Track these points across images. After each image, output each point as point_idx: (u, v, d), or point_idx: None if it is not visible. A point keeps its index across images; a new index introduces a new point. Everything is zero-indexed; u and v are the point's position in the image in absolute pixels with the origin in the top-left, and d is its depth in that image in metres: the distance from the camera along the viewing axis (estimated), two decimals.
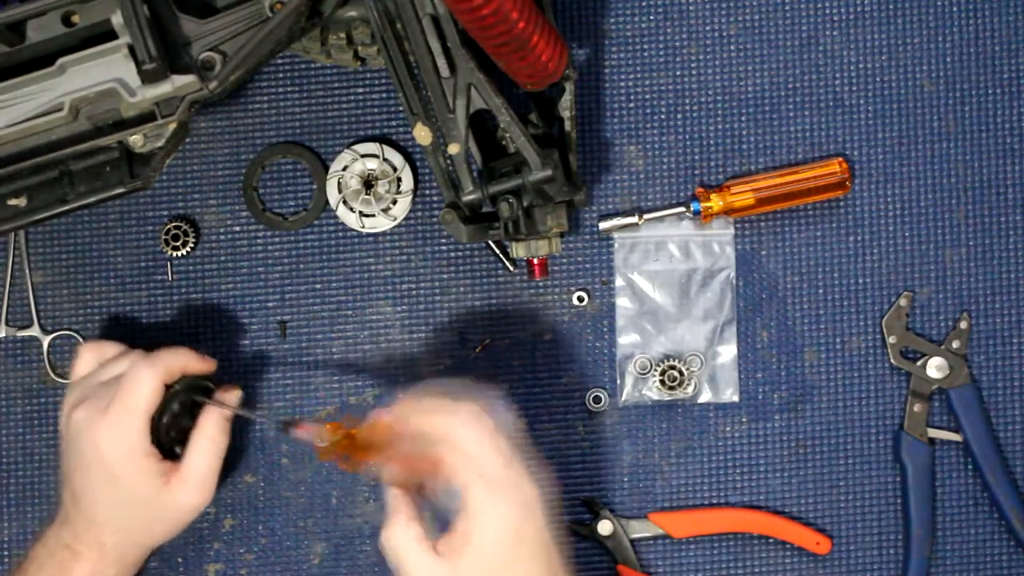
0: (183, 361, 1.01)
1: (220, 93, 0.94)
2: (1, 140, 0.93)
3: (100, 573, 1.00)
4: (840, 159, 1.10)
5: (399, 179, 1.10)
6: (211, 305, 1.12)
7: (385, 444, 0.92)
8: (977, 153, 1.12)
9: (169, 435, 1.00)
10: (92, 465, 0.98)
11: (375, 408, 0.94)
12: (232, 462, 1.11)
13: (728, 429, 1.11)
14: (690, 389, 1.10)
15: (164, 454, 1.00)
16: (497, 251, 1.11)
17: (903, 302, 1.11)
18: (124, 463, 0.98)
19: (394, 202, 1.10)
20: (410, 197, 1.10)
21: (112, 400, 0.98)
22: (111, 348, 1.04)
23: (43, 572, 1.00)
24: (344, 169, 1.10)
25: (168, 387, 0.99)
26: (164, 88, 0.93)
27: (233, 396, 1.03)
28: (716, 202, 1.09)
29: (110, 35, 0.93)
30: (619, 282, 1.11)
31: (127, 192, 0.95)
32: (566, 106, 1.04)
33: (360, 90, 1.12)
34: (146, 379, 0.98)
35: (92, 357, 1.03)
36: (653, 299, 1.11)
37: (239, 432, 1.11)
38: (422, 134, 1.00)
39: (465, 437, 0.89)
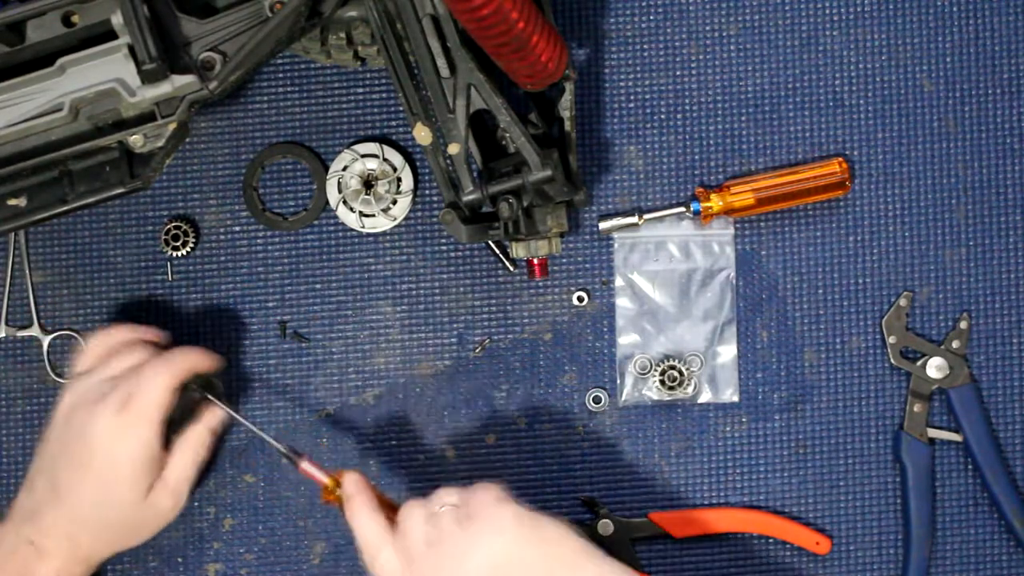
0: (194, 361, 1.00)
1: (220, 93, 0.94)
2: (1, 140, 0.93)
3: (68, 572, 0.98)
4: (840, 159, 1.10)
5: (399, 179, 1.10)
6: (211, 305, 1.12)
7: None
8: (977, 153, 1.12)
9: (171, 435, 1.01)
10: (94, 463, 0.97)
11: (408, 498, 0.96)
12: (232, 462, 1.11)
13: (728, 429, 1.11)
14: (690, 389, 1.10)
15: None
16: (497, 251, 1.11)
17: (903, 302, 1.11)
18: (133, 466, 0.97)
19: (394, 202, 1.10)
20: (410, 197, 1.10)
21: (128, 401, 0.97)
22: (119, 336, 1.03)
23: (3, 571, 0.97)
24: (344, 169, 1.10)
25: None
26: (164, 88, 0.93)
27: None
28: (716, 202, 1.09)
29: (110, 35, 0.93)
30: (619, 282, 1.11)
31: (127, 192, 0.95)
32: (566, 106, 1.04)
33: (360, 90, 1.12)
34: (163, 384, 0.97)
35: (100, 350, 1.02)
36: (653, 299, 1.11)
37: (239, 432, 1.10)
38: (422, 134, 1.00)
39: None
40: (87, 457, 0.97)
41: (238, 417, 1.02)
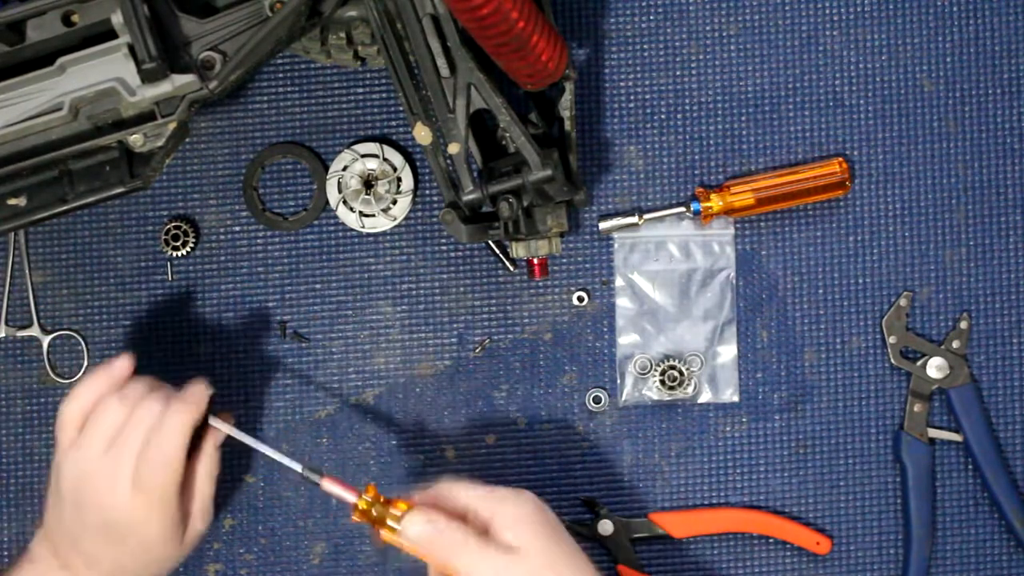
0: (194, 408, 0.97)
1: (220, 93, 0.94)
2: (1, 140, 0.93)
3: None
4: (840, 159, 1.10)
5: (399, 179, 1.10)
6: (211, 305, 1.12)
7: None
8: (977, 153, 1.12)
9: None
10: (126, 541, 0.95)
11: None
12: (232, 462, 1.11)
13: (728, 429, 1.11)
14: (690, 389, 1.10)
15: None
16: (497, 251, 1.11)
17: (903, 302, 1.11)
18: (164, 536, 0.96)
19: (394, 202, 1.10)
20: (410, 197, 1.10)
21: (142, 473, 0.94)
22: (92, 390, 0.97)
23: None
24: (344, 169, 1.10)
25: None
26: (164, 88, 0.93)
27: (229, 420, 1.01)
28: (716, 202, 1.09)
29: (110, 35, 0.93)
30: (619, 282, 1.11)
31: (127, 192, 0.95)
32: (566, 106, 1.04)
33: (360, 90, 1.12)
34: (174, 445, 0.94)
35: (77, 414, 0.97)
36: (653, 299, 1.11)
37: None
38: (422, 134, 1.00)
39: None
40: (116, 535, 0.95)
41: (246, 438, 0.99)
